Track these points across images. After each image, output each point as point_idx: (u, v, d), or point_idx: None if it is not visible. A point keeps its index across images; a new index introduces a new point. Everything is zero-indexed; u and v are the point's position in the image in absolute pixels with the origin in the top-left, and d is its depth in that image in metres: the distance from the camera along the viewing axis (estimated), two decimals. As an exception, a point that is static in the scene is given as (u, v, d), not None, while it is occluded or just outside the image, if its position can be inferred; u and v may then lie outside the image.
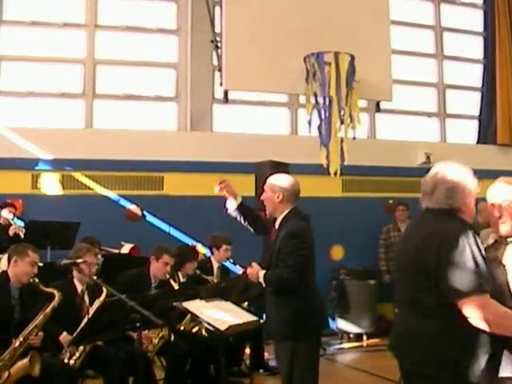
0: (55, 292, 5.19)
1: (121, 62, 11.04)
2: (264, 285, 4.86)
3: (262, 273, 4.81)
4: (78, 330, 5.10)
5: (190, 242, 9.71)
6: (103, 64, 10.93)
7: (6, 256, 7.16)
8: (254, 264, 4.94)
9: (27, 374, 4.84)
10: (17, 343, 4.95)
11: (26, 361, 4.82)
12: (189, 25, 11.03)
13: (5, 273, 5.37)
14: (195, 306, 5.14)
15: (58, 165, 9.95)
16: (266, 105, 11.57)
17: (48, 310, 5.11)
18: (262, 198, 5.06)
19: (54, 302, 5.14)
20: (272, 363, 7.59)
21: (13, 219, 8.72)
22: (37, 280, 5.23)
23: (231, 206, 5.34)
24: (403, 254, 3.50)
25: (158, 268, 6.57)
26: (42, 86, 10.64)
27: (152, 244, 7.09)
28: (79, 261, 5.61)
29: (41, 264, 5.47)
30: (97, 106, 10.80)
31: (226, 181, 5.36)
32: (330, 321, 9.29)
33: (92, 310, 5.44)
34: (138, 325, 4.64)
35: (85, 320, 5.28)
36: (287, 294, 4.75)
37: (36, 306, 5.23)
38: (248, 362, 7.48)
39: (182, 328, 6.30)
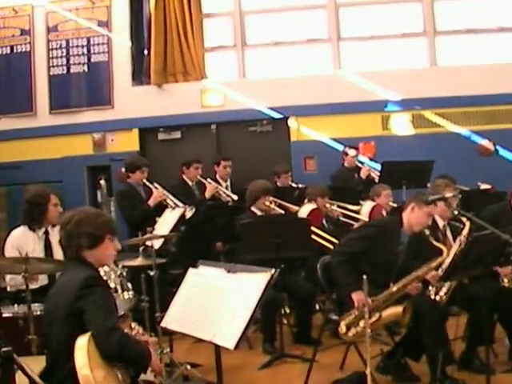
0: (443, 248, 5.15)
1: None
2: None
3: None
4: (447, 265, 5.13)
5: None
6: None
7: (366, 202, 7.46)
8: None
9: (396, 320, 4.95)
10: (394, 288, 5.01)
11: (399, 309, 4.87)
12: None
13: (399, 217, 5.38)
14: None
15: (407, 105, 10.13)
16: None
17: (433, 264, 5.09)
18: None
19: (441, 259, 5.10)
20: None
21: (358, 159, 9.19)
22: (428, 232, 5.22)
23: None
24: None
25: (520, 202, 6.35)
26: (382, 28, 10.80)
27: (505, 179, 6.90)
28: (448, 195, 5.56)
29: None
30: (439, 43, 10.70)
31: None
32: None
33: (455, 246, 5.37)
34: (512, 258, 4.53)
35: (451, 255, 5.24)
36: None
37: (421, 256, 5.24)
38: None
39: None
